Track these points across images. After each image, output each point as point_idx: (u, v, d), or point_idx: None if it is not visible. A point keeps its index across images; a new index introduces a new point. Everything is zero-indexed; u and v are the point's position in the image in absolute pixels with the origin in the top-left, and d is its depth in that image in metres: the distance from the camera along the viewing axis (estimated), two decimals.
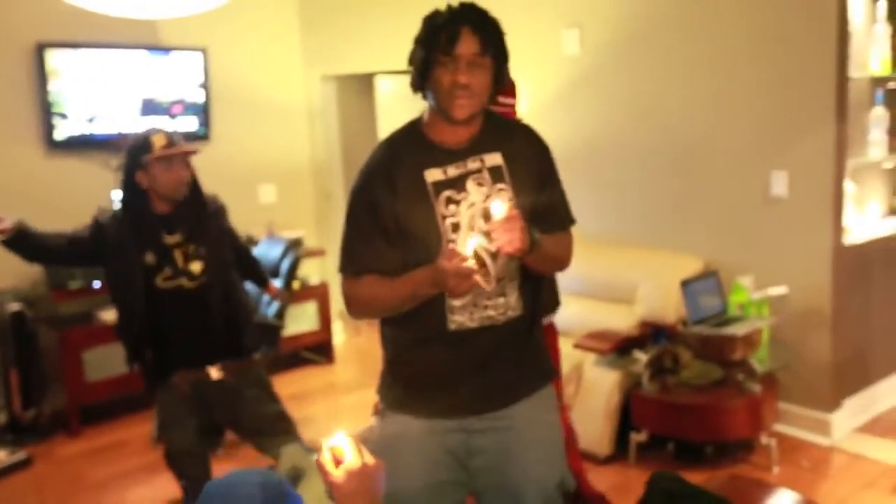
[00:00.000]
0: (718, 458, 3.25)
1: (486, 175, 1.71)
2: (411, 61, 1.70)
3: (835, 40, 3.15)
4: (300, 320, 4.86)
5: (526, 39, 4.12)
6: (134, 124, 4.49)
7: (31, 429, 3.97)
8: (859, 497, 2.90)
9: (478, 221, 1.68)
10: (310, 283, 4.96)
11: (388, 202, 1.72)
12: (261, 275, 3.23)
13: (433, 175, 1.70)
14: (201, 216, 2.62)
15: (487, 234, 1.59)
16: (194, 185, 2.63)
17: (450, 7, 1.65)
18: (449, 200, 1.69)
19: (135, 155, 2.51)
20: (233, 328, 2.69)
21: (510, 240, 1.54)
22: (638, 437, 3.28)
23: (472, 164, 1.72)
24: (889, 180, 3.80)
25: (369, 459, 1.17)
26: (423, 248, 1.66)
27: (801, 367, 3.40)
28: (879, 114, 3.57)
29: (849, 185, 3.39)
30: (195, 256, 2.56)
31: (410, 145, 1.76)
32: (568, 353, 3.47)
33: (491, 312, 1.73)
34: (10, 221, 2.44)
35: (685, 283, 3.36)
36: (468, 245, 1.54)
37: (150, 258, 2.51)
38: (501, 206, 1.57)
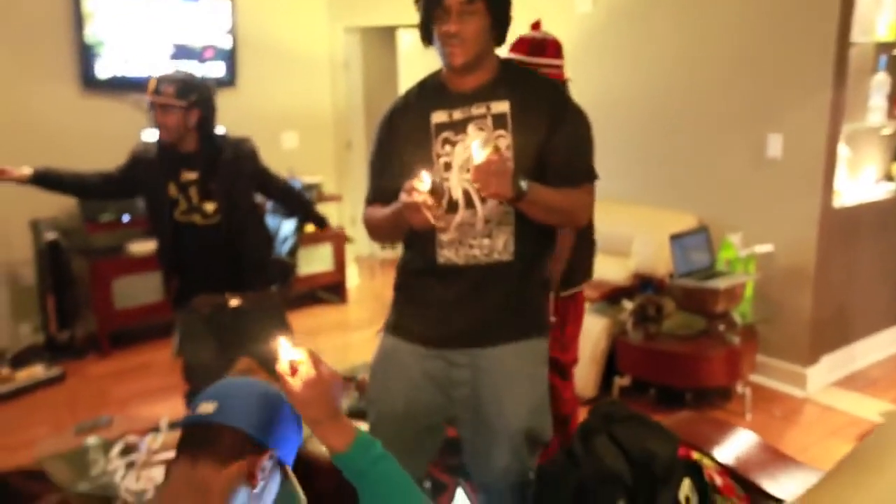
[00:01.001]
0: (697, 403, 3.31)
1: (488, 121, 1.70)
2: (419, 23, 1.70)
3: (839, 3, 3.12)
4: (316, 261, 4.95)
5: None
6: (166, 67, 4.42)
7: (65, 348, 4.08)
8: (823, 444, 2.96)
9: (471, 163, 1.60)
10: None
11: (392, 142, 1.77)
12: (306, 209, 3.26)
13: (438, 117, 1.72)
14: (216, 160, 2.67)
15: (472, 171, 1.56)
16: (206, 131, 2.66)
17: None
18: (446, 141, 1.71)
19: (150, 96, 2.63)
20: (249, 263, 2.77)
21: (486, 184, 1.52)
22: (621, 382, 3.37)
23: (477, 110, 1.71)
24: (887, 146, 3.81)
25: (326, 371, 1.15)
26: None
27: (782, 322, 3.46)
28: (881, 79, 3.57)
29: (843, 150, 3.41)
30: (209, 197, 2.64)
31: (428, 90, 1.78)
32: None
33: (475, 252, 1.73)
34: (25, 171, 2.64)
35: (674, 237, 3.39)
36: (425, 181, 1.52)
37: (172, 191, 2.62)
38: (481, 149, 1.53)
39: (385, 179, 1.77)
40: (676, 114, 3.77)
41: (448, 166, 1.71)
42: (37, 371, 3.77)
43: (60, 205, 4.24)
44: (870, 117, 3.58)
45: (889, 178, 3.80)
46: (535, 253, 1.81)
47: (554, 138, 1.71)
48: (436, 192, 1.55)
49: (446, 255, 1.73)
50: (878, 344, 3.81)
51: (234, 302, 2.74)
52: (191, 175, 2.64)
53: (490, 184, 1.52)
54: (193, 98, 2.58)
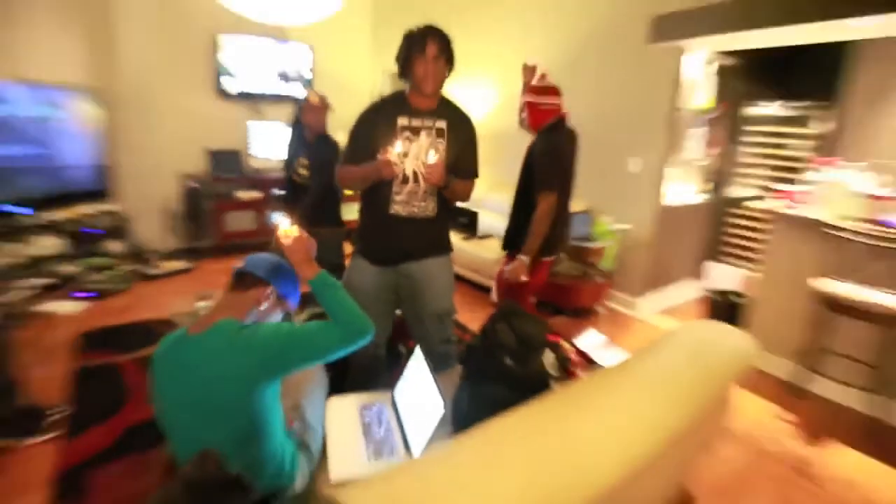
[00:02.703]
0: (575, 316, 3.31)
1: (433, 132, 1.69)
2: (398, 59, 1.67)
3: (672, 85, 3.13)
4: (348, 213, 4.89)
5: (503, 61, 4.08)
6: (271, 86, 4.43)
7: (194, 252, 4.07)
8: (641, 342, 2.99)
9: (420, 155, 1.66)
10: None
11: (370, 129, 1.71)
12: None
13: (402, 121, 1.68)
14: (319, 146, 2.67)
15: (424, 166, 1.62)
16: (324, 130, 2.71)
17: (419, 28, 1.65)
18: (406, 138, 1.68)
19: (301, 102, 2.69)
20: (328, 207, 2.73)
21: (433, 175, 1.59)
22: (531, 300, 3.37)
23: (427, 123, 1.69)
24: (702, 172, 3.76)
25: (304, 236, 1.29)
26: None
27: (628, 271, 3.48)
28: (699, 131, 3.55)
29: (673, 171, 3.38)
30: (307, 166, 2.69)
31: (396, 102, 1.73)
32: (497, 247, 3.50)
33: (416, 210, 1.74)
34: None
35: (570, 214, 3.42)
36: (398, 147, 1.58)
37: (302, 159, 2.70)
38: (434, 156, 1.59)
39: (359, 151, 1.71)
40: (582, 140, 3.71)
41: (405, 155, 1.69)
42: (176, 264, 3.76)
43: (197, 164, 4.19)
44: (691, 153, 3.55)
45: (702, 192, 3.78)
46: (444, 211, 1.82)
47: (464, 150, 1.76)
48: (401, 158, 1.63)
49: (396, 209, 1.74)
50: (683, 288, 3.85)
51: (323, 232, 2.67)
52: (304, 156, 2.71)
53: (435, 176, 1.61)
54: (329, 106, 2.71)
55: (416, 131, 1.70)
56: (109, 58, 3.54)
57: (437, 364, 1.85)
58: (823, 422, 2.36)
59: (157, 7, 3.79)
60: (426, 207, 1.77)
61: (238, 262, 1.33)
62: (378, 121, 1.72)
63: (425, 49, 1.61)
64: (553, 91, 2.17)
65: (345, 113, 2.95)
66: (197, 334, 1.17)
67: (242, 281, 1.26)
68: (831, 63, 2.98)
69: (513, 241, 2.22)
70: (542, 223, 2.07)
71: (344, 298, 1.25)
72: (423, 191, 1.72)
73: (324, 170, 2.62)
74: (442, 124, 1.72)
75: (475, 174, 1.84)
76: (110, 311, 3.05)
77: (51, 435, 1.90)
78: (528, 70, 2.33)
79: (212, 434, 1.13)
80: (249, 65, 4.31)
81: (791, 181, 3.29)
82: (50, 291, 3.13)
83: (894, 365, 2.26)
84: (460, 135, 1.75)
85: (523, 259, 2.11)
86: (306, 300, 1.52)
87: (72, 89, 3.38)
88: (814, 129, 3.42)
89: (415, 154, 1.69)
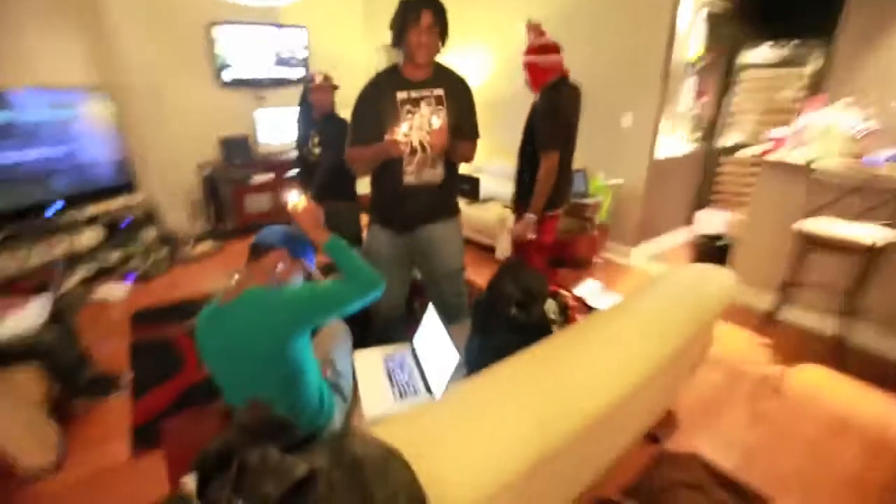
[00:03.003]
0: (573, 268, 3.37)
1: (432, 100, 1.69)
2: (392, 27, 1.63)
3: (666, 37, 3.04)
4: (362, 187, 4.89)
5: (497, 27, 3.98)
6: (269, 71, 4.36)
7: (221, 233, 4.14)
8: (636, 285, 3.08)
9: (424, 125, 1.66)
10: None
11: (372, 108, 1.71)
12: None
13: (401, 94, 1.68)
14: (328, 124, 2.68)
15: (429, 135, 1.63)
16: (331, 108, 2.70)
17: None
18: (408, 111, 1.69)
19: (306, 83, 2.68)
20: (342, 183, 2.72)
21: (439, 140, 1.60)
22: (543, 258, 3.44)
23: (425, 92, 1.69)
24: (691, 122, 3.72)
25: (312, 205, 1.39)
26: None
27: (622, 222, 3.51)
28: (689, 82, 3.49)
29: (666, 124, 3.37)
30: (318, 144, 2.70)
31: (392, 77, 1.71)
32: (498, 209, 3.60)
33: (427, 178, 1.76)
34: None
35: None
36: (404, 128, 1.59)
37: (313, 138, 2.70)
38: (437, 121, 1.60)
39: (365, 132, 1.72)
40: None
41: (409, 128, 1.70)
42: (207, 246, 3.86)
43: (212, 154, 4.22)
44: (682, 104, 3.52)
45: (691, 142, 3.75)
46: (451, 176, 1.83)
47: (463, 112, 1.74)
48: (406, 136, 1.64)
49: (409, 179, 1.76)
50: (674, 236, 3.88)
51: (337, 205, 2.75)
52: (315, 133, 2.71)
53: (440, 140, 1.62)
54: (334, 84, 2.69)
55: (416, 103, 1.69)
56: (110, 57, 3.50)
57: (452, 315, 1.95)
58: (794, 345, 2.48)
59: (147, 3, 3.70)
60: (435, 174, 1.77)
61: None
62: (378, 98, 1.71)
63: (420, 18, 1.57)
64: (553, 48, 2.09)
65: (344, 90, 2.97)
66: (228, 303, 1.27)
67: (257, 251, 1.33)
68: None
69: (520, 201, 2.21)
70: (545, 182, 2.05)
71: (355, 258, 1.36)
72: (431, 158, 1.74)
73: (333, 147, 2.62)
74: (440, 91, 1.70)
75: (476, 134, 1.83)
76: (155, 291, 3.21)
77: (122, 394, 2.11)
78: (533, 28, 2.20)
79: (257, 384, 1.26)
80: (246, 53, 4.23)
81: (784, 125, 3.25)
82: (98, 279, 3.28)
83: (864, 291, 2.34)
84: (459, 98, 1.73)
85: (530, 217, 2.11)
86: (328, 271, 1.60)
87: (83, 90, 3.40)
88: (807, 69, 3.32)
89: (418, 125, 1.70)
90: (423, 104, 1.70)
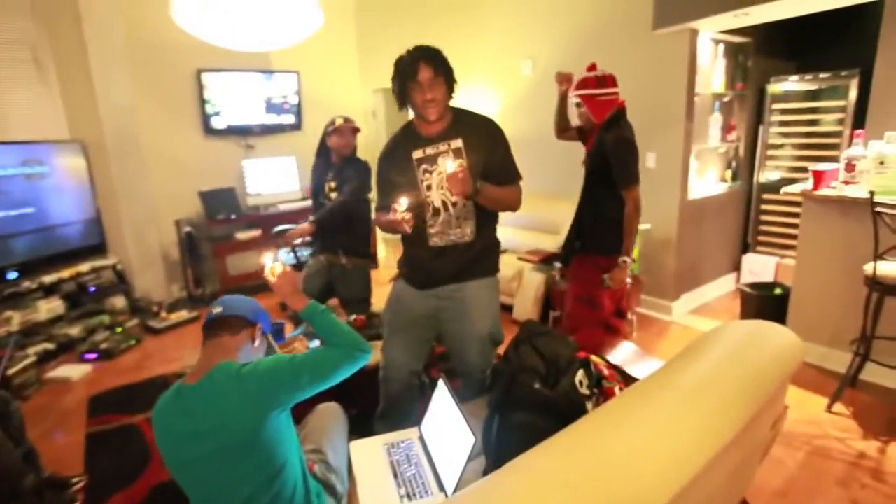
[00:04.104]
0: (604, 328, 3.30)
1: (451, 154, 1.70)
2: (394, 91, 1.67)
3: (686, 71, 3.14)
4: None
5: (500, 66, 4.17)
6: (259, 118, 4.52)
7: (199, 299, 4.16)
8: (677, 347, 2.94)
9: (444, 183, 1.66)
10: None
11: (388, 172, 1.78)
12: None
13: (417, 154, 1.71)
14: (346, 168, 2.78)
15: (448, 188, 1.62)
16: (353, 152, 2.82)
17: (408, 51, 1.63)
18: (425, 171, 1.72)
19: (326, 128, 2.80)
20: (355, 237, 2.80)
21: (456, 185, 1.58)
22: (554, 314, 3.38)
23: (442, 147, 1.70)
24: (721, 159, 3.78)
25: (289, 271, 1.43)
26: (414, 204, 1.70)
27: (656, 273, 3.47)
28: (716, 117, 3.57)
29: (693, 162, 3.42)
30: (335, 189, 2.77)
31: (406, 136, 1.76)
32: (513, 262, 3.61)
33: (453, 238, 1.76)
34: (307, 227, 2.68)
35: None
36: (402, 204, 1.61)
37: (329, 183, 2.79)
38: (452, 165, 1.59)
39: (386, 197, 1.79)
40: None
41: (429, 187, 1.73)
42: (182, 314, 3.84)
43: (192, 208, 4.29)
44: (710, 140, 3.57)
45: (723, 180, 3.79)
46: (485, 233, 1.82)
47: (491, 158, 1.73)
48: (411, 209, 1.64)
49: (434, 241, 1.77)
50: (717, 286, 3.83)
51: (343, 260, 2.80)
52: (331, 179, 2.81)
53: (458, 185, 1.59)
54: (356, 126, 2.82)
55: (432, 160, 1.72)
56: (90, 108, 3.65)
57: (477, 393, 1.86)
58: (884, 412, 2.32)
59: (134, 51, 3.93)
60: (463, 233, 1.77)
61: (210, 308, 1.36)
62: (394, 160, 1.76)
63: (417, 75, 1.59)
64: (611, 80, 2.22)
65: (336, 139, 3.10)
66: (196, 382, 1.21)
67: (229, 325, 1.30)
68: (856, 28, 2.97)
69: (587, 245, 2.30)
70: (634, 219, 2.15)
71: (335, 322, 1.36)
72: (455, 217, 1.74)
73: (348, 190, 2.71)
74: (458, 143, 1.71)
75: (517, 176, 1.80)
76: (121, 370, 3.14)
77: None
78: (564, 77, 2.38)
79: (231, 480, 1.18)
80: (236, 99, 4.43)
81: (824, 159, 3.27)
82: (57, 356, 3.22)
83: None
84: (484, 143, 1.72)
85: (625, 261, 2.17)
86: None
87: (54, 144, 3.52)
88: (842, 101, 3.40)
89: (438, 183, 1.72)
90: (440, 160, 1.71)
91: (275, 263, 1.43)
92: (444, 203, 1.73)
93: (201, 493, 1.23)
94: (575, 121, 2.52)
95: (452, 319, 1.85)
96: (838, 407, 2.38)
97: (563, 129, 2.58)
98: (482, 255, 1.84)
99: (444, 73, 1.64)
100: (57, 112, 3.69)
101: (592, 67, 2.29)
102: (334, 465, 1.44)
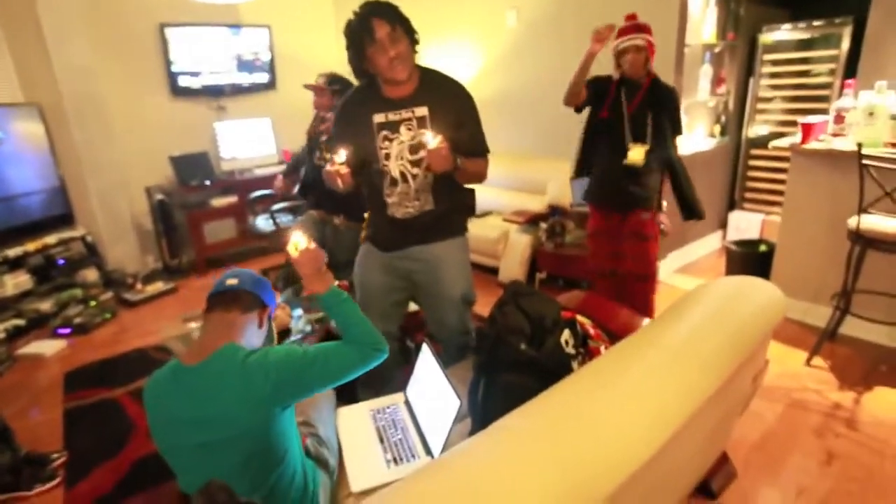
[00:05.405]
0: (588, 288, 3.18)
1: (414, 122, 1.64)
2: (350, 61, 1.59)
3: (677, 19, 3.07)
4: None
5: (483, 16, 4.04)
6: (231, 77, 4.35)
7: (175, 270, 4.10)
8: (665, 305, 3.02)
9: (404, 153, 1.64)
10: None
11: (345, 130, 1.70)
12: None
13: (378, 118, 1.65)
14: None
15: (420, 161, 1.60)
16: None
17: (355, 12, 1.54)
18: (385, 138, 1.66)
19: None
20: (351, 197, 2.77)
21: (438, 161, 1.53)
22: (540, 276, 3.41)
23: (406, 114, 1.64)
24: (710, 114, 3.75)
25: (314, 247, 1.31)
26: (365, 167, 1.69)
27: None
28: (706, 69, 3.52)
29: (682, 117, 3.38)
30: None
31: (369, 95, 1.68)
32: (498, 224, 3.61)
33: (410, 210, 1.73)
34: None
35: (573, 179, 3.32)
36: (341, 155, 1.57)
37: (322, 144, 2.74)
38: (433, 138, 1.52)
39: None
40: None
41: (388, 156, 1.67)
42: (158, 286, 3.79)
43: (163, 174, 4.17)
44: (699, 94, 3.54)
45: (712, 135, 3.77)
46: (447, 198, 1.77)
47: (459, 130, 1.68)
48: (348, 163, 1.58)
49: (392, 211, 1.75)
50: (704, 244, 3.87)
51: (336, 221, 2.77)
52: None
53: (441, 162, 1.54)
54: (337, 87, 2.73)
55: (394, 127, 1.65)
56: (44, 68, 3.46)
57: (456, 357, 1.88)
58: (862, 365, 2.41)
59: (90, 6, 3.72)
60: (421, 205, 1.74)
61: (221, 277, 1.30)
62: (354, 121, 1.68)
63: (374, 33, 1.50)
64: (648, 27, 2.29)
65: (311, 96, 2.99)
66: (196, 364, 1.15)
67: (242, 302, 1.23)
68: None
69: (656, 204, 2.46)
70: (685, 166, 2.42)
71: (356, 313, 1.27)
72: (414, 189, 1.71)
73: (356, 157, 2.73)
74: (423, 111, 1.64)
75: (484, 149, 1.76)
76: (97, 343, 3.11)
77: (56, 481, 1.97)
78: (605, 33, 2.25)
79: (226, 469, 1.14)
80: (203, 57, 4.25)
81: (814, 112, 3.26)
82: (28, 332, 3.18)
83: None
84: (451, 112, 1.66)
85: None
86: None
87: (7, 107, 3.35)
88: (835, 50, 3.36)
89: (397, 153, 1.67)
90: (402, 128, 1.65)
91: (299, 238, 1.30)
92: (402, 174, 1.68)
93: (195, 478, 1.18)
94: (606, 74, 2.44)
95: (425, 283, 1.84)
96: (817, 360, 2.46)
97: (578, 94, 2.48)
98: (447, 218, 1.80)
99: (402, 25, 1.55)
100: (8, 74, 3.50)
101: (634, 17, 2.30)
102: (324, 437, 1.44)
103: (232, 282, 1.24)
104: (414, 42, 1.59)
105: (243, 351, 1.16)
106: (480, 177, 1.77)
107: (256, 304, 1.25)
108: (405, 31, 1.56)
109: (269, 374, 1.12)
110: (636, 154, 2.31)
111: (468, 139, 1.69)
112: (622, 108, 2.33)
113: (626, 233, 2.45)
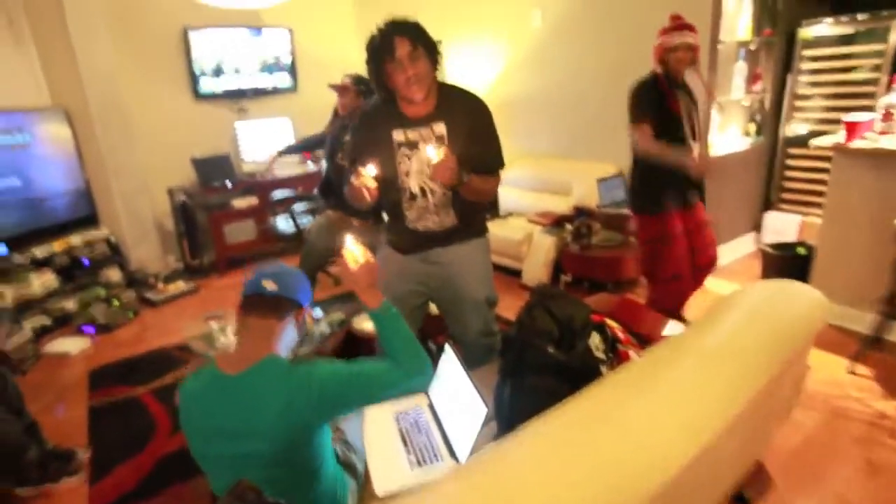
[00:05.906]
0: (615, 291, 3.25)
1: (433, 140, 1.65)
2: (370, 76, 1.61)
3: (710, 15, 3.03)
4: None
5: (508, 16, 4.04)
6: (253, 80, 4.44)
7: (197, 270, 4.19)
8: (700, 309, 2.96)
9: (424, 169, 1.65)
10: None
11: (363, 146, 1.71)
12: None
13: (397, 135, 1.67)
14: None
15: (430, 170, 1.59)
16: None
17: (379, 27, 1.56)
18: (404, 155, 1.68)
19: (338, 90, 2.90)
20: (374, 206, 2.83)
21: (442, 175, 1.54)
22: (565, 278, 3.38)
23: (425, 132, 1.66)
24: (745, 113, 3.68)
25: (370, 260, 1.27)
26: (385, 183, 1.68)
27: None
28: (740, 66, 3.45)
29: (715, 117, 3.34)
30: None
31: (388, 111, 1.69)
32: (523, 225, 3.60)
33: (430, 225, 1.75)
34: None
35: (600, 180, 3.39)
36: (370, 170, 1.57)
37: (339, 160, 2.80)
38: (434, 152, 1.53)
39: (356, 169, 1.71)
40: (602, 96, 3.64)
41: (407, 173, 1.69)
42: (180, 285, 3.87)
43: (185, 176, 4.27)
44: (733, 93, 3.47)
45: (746, 134, 3.70)
46: (468, 218, 1.79)
47: (475, 146, 1.68)
48: (377, 177, 1.59)
49: (411, 224, 1.77)
50: (738, 245, 3.79)
51: (355, 223, 2.83)
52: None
53: (446, 175, 1.54)
54: (363, 87, 2.81)
55: (413, 146, 1.67)
56: (71, 73, 3.57)
57: (480, 359, 1.87)
58: None
59: (114, 11, 3.83)
60: (441, 221, 1.76)
61: (251, 277, 1.26)
62: (373, 137, 1.70)
63: (394, 51, 1.52)
64: (692, 27, 2.38)
65: (332, 98, 3.02)
66: (237, 374, 1.14)
67: (281, 308, 1.20)
68: None
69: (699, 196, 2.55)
70: None
71: (405, 331, 1.26)
72: (433, 205, 1.72)
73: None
74: (441, 129, 1.66)
75: (499, 164, 1.76)
76: (120, 342, 3.19)
77: (78, 477, 2.02)
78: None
79: (259, 477, 1.11)
80: (226, 60, 4.34)
81: (857, 110, 3.16)
82: (54, 330, 3.27)
83: None
84: (468, 127, 1.68)
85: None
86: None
87: (36, 111, 3.46)
88: (881, 44, 3.25)
89: (417, 170, 1.68)
90: (421, 145, 1.67)
91: (355, 248, 1.25)
92: (421, 189, 1.70)
93: (223, 479, 1.18)
94: (640, 78, 2.56)
95: (443, 286, 1.83)
96: (860, 367, 2.38)
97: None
98: (467, 222, 1.81)
99: (424, 44, 1.56)
100: (37, 78, 3.62)
101: (679, 17, 2.40)
102: (352, 441, 1.45)
103: (270, 286, 1.20)
104: (435, 62, 1.60)
105: (285, 364, 1.16)
106: (488, 194, 1.79)
107: (293, 307, 1.23)
108: (427, 51, 1.57)
109: (312, 392, 1.12)
110: (695, 150, 2.42)
111: (481, 154, 1.70)
112: (679, 106, 2.42)
113: (692, 226, 2.56)
